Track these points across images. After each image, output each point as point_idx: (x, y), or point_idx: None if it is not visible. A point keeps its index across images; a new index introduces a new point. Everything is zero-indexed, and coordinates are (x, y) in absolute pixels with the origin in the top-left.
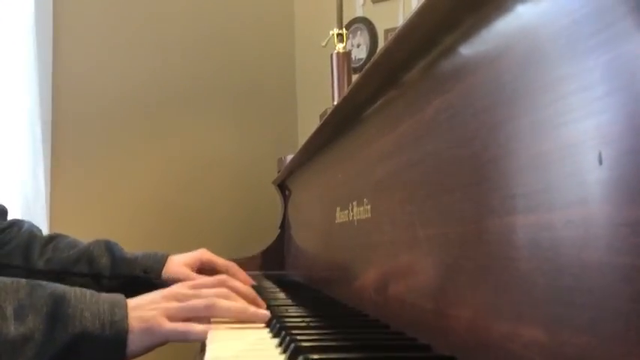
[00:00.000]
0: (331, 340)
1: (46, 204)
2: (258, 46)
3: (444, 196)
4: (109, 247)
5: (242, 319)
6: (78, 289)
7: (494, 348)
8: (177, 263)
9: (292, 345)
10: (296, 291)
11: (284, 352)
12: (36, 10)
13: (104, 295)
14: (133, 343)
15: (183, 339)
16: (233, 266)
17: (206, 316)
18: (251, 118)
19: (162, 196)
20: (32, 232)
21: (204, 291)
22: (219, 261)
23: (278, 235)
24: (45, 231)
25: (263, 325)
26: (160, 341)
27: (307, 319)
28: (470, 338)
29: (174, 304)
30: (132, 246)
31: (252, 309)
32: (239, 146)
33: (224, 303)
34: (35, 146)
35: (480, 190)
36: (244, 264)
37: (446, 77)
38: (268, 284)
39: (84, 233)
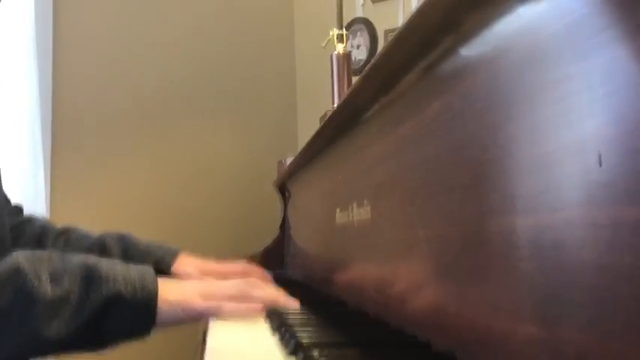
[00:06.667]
0: (331, 337)
1: (46, 204)
2: (258, 47)
3: (444, 197)
4: (121, 238)
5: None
6: (106, 259)
7: (494, 346)
8: (189, 263)
9: (292, 341)
10: (296, 289)
11: (284, 348)
12: (36, 10)
13: (132, 265)
14: (165, 312)
15: (214, 314)
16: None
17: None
18: (251, 120)
19: (162, 198)
20: (45, 226)
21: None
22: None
23: (278, 236)
24: None
25: (263, 322)
26: (190, 316)
27: (307, 316)
28: (469, 336)
29: (210, 288)
30: None
31: (284, 297)
32: (239, 148)
33: (257, 292)
34: (35, 146)
35: (480, 191)
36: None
37: (446, 78)
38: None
39: None
